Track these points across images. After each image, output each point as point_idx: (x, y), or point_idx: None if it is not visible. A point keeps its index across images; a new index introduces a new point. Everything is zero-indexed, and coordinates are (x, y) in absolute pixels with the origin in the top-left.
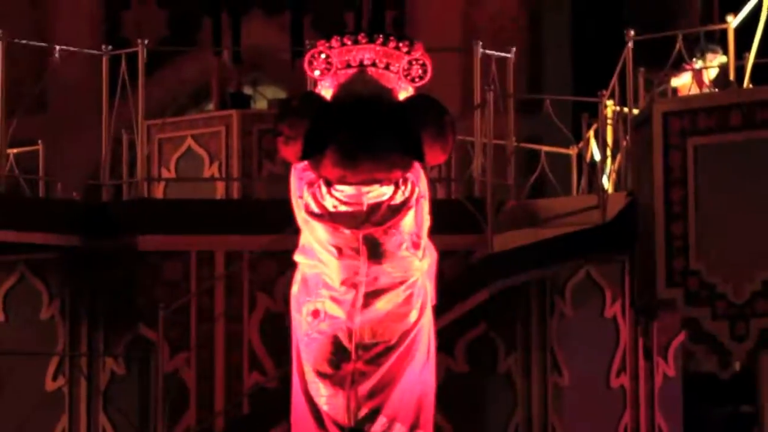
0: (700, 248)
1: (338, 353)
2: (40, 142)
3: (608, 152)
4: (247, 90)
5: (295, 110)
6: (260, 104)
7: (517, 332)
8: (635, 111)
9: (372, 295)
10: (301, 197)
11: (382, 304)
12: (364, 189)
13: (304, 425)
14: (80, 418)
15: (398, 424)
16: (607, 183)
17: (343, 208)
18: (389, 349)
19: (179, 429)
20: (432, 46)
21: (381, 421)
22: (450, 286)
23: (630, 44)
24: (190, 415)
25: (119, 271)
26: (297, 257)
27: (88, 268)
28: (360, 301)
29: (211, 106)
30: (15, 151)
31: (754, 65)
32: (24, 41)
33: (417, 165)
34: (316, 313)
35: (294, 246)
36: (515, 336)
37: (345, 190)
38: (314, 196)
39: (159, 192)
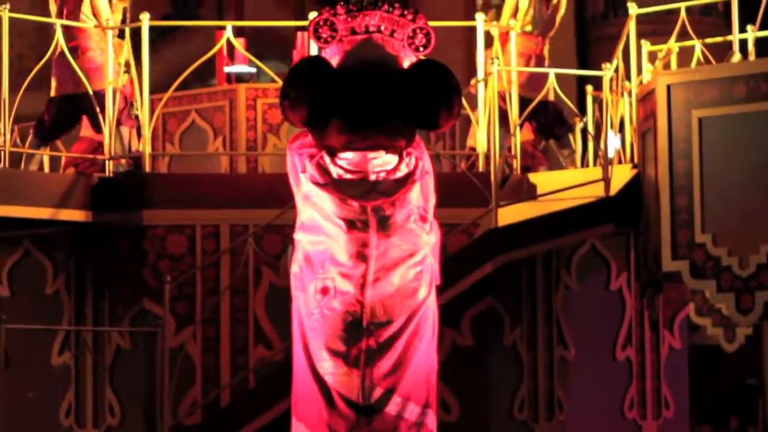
0: (705, 221)
1: (350, 330)
2: None
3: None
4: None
5: (302, 74)
6: (263, 79)
7: (522, 305)
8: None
9: (383, 269)
10: (303, 171)
11: (393, 279)
12: (370, 155)
13: (312, 405)
14: (87, 393)
15: (412, 404)
16: (612, 156)
17: (348, 177)
18: (401, 327)
19: (185, 403)
20: (434, 18)
21: (395, 400)
22: (455, 260)
23: (633, 17)
24: (196, 390)
25: (124, 246)
26: (297, 235)
27: (92, 243)
28: (371, 275)
29: (214, 81)
30: (20, 126)
31: (758, 37)
32: (27, 16)
33: (420, 142)
34: (325, 291)
35: None
36: (521, 309)
37: (349, 157)
38: (317, 167)
39: (163, 167)
